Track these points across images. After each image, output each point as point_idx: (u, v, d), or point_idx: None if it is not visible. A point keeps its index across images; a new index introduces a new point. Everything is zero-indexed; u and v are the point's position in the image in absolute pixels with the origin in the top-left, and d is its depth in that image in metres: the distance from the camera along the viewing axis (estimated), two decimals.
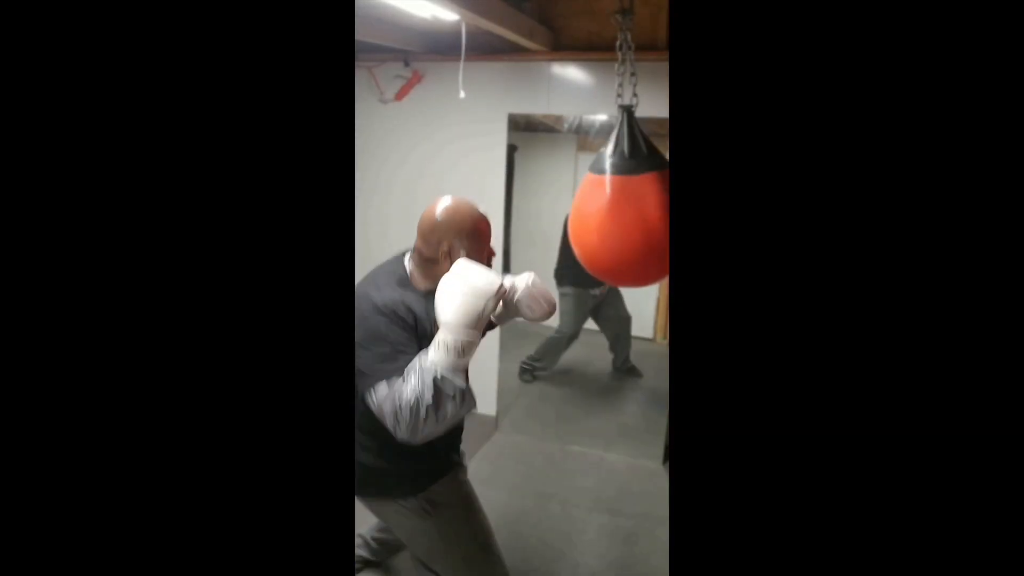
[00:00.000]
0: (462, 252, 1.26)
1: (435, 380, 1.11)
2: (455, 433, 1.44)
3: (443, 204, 1.28)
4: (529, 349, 3.38)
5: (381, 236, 2.64)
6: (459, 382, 1.13)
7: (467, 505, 1.43)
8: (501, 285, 1.16)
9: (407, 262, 1.32)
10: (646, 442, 2.76)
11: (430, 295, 1.22)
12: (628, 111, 1.34)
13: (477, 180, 2.71)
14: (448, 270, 1.20)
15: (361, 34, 2.16)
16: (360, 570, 1.80)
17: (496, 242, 2.58)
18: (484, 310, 1.14)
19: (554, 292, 1.77)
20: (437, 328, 1.16)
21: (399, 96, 2.77)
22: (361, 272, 1.33)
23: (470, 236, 1.27)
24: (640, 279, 1.50)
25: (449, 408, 1.12)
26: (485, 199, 2.80)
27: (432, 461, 1.36)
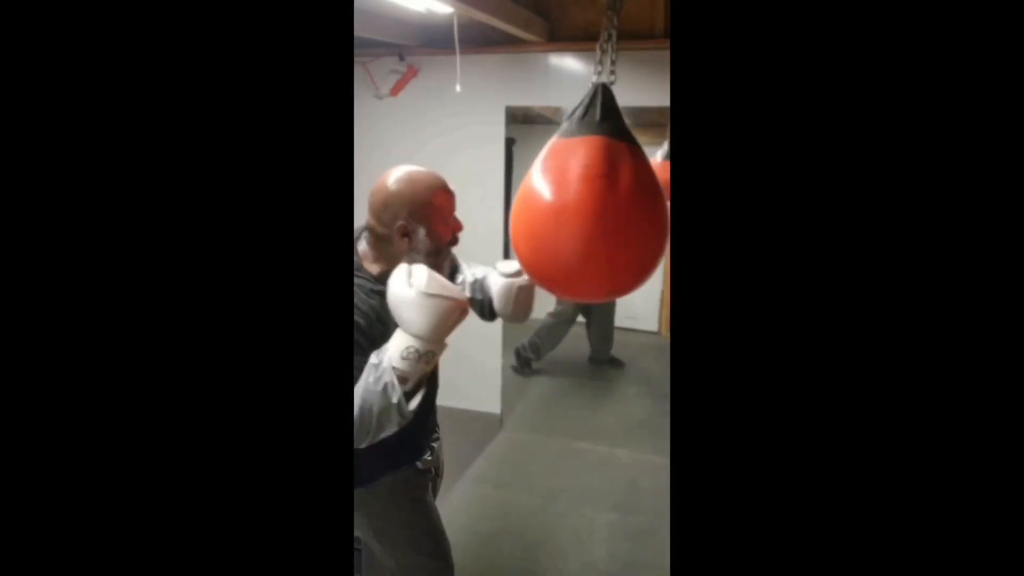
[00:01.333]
0: (420, 229, 1.12)
1: (387, 388, 1.00)
2: (418, 432, 1.33)
3: (395, 175, 1.14)
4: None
5: None
6: (409, 401, 1.02)
7: (406, 511, 1.33)
8: (467, 299, 1.05)
9: (359, 245, 1.19)
10: (654, 437, 2.74)
11: (383, 278, 1.10)
12: (605, 88, 1.14)
13: (476, 174, 2.68)
14: (403, 249, 1.11)
15: (356, 29, 2.12)
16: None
17: (497, 235, 2.59)
18: (453, 318, 1.01)
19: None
20: (384, 321, 1.07)
21: (395, 91, 2.75)
22: None
23: (428, 210, 1.12)
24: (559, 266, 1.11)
25: (393, 424, 1.03)
26: (484, 193, 2.80)
27: (382, 459, 1.24)
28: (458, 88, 2.23)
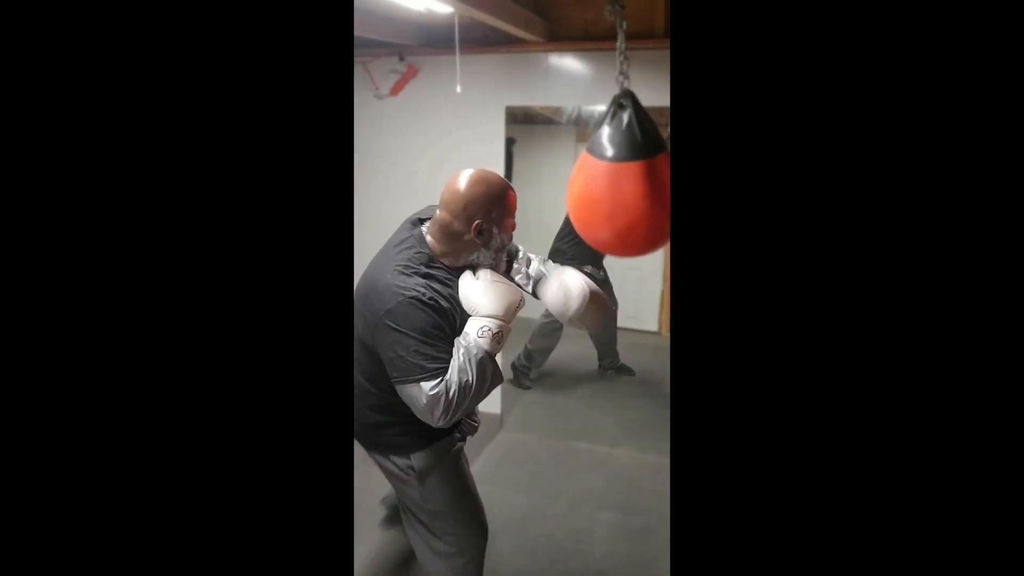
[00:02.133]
0: (494, 228, 1.26)
1: (481, 363, 1.18)
2: None
3: (473, 176, 1.25)
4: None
5: (378, 232, 2.58)
6: (497, 366, 1.22)
7: (451, 478, 1.45)
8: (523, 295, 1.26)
9: (429, 239, 1.29)
10: (654, 437, 2.74)
11: (458, 272, 1.27)
12: (634, 97, 1.20)
13: None
14: (477, 244, 1.25)
15: (355, 29, 2.12)
16: (386, 527, 1.95)
17: None
18: (517, 304, 1.23)
19: None
20: (465, 311, 1.24)
21: (395, 91, 2.74)
22: (359, 268, 1.30)
23: (503, 209, 1.26)
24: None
25: (486, 391, 1.21)
26: None
27: (425, 428, 1.32)
28: (458, 88, 2.21)
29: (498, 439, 2.75)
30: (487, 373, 1.20)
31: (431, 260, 1.26)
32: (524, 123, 3.62)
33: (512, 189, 1.29)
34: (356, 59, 2.70)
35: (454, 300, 1.24)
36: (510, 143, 2.82)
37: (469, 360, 1.18)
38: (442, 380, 1.16)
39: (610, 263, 3.16)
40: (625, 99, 1.17)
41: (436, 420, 1.18)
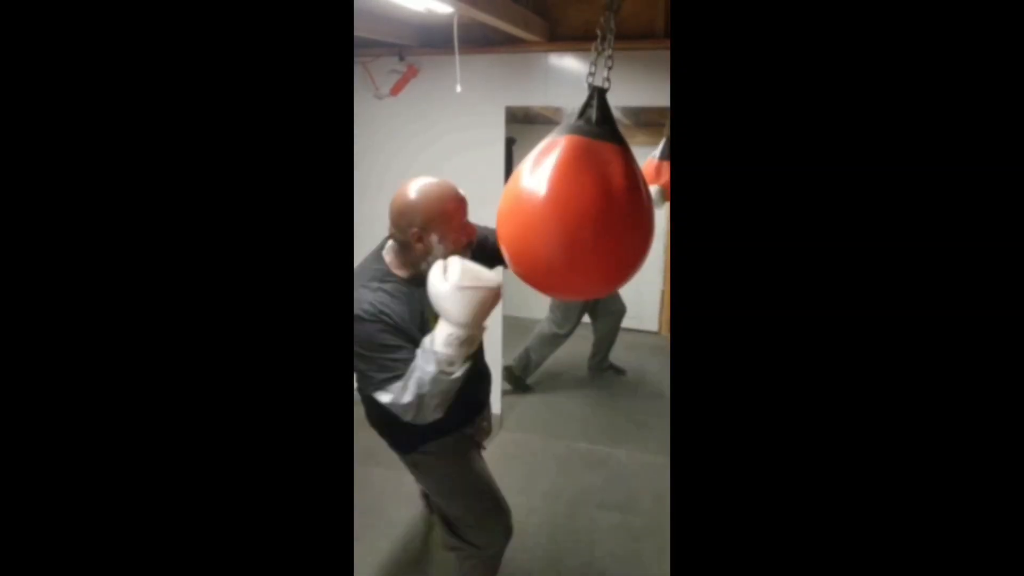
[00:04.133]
0: (433, 236, 1.24)
1: (437, 375, 1.16)
2: (463, 406, 1.42)
3: (411, 185, 1.26)
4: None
5: (377, 233, 2.60)
6: (458, 373, 1.18)
7: (456, 469, 1.51)
8: (499, 283, 1.18)
9: (385, 253, 1.34)
10: (655, 437, 2.74)
11: (412, 281, 1.27)
12: (601, 92, 1.17)
13: (476, 174, 2.65)
14: (420, 253, 1.25)
15: (356, 29, 2.12)
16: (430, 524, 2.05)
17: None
18: (487, 307, 1.16)
19: None
20: (423, 318, 1.24)
21: (395, 91, 2.73)
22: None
23: (440, 218, 1.24)
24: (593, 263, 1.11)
25: (446, 397, 1.21)
26: (484, 193, 2.77)
27: (420, 426, 1.33)
28: (458, 88, 2.22)
29: (497, 439, 2.75)
30: (444, 384, 1.18)
31: (386, 274, 1.30)
32: (524, 123, 3.61)
33: (457, 198, 1.27)
34: (356, 59, 2.69)
35: (409, 311, 1.26)
36: (510, 143, 2.81)
37: (426, 361, 1.17)
38: (394, 387, 1.21)
39: None
40: (593, 92, 1.15)
41: (404, 418, 1.23)
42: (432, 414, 1.22)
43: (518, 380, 3.22)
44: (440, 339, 1.15)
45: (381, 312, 1.22)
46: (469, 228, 1.30)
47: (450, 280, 1.13)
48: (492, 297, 1.15)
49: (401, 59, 2.68)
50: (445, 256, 1.22)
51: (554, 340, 3.21)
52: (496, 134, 2.65)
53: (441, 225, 1.24)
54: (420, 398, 1.18)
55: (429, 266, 1.20)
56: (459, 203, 1.28)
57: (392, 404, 1.21)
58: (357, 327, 1.20)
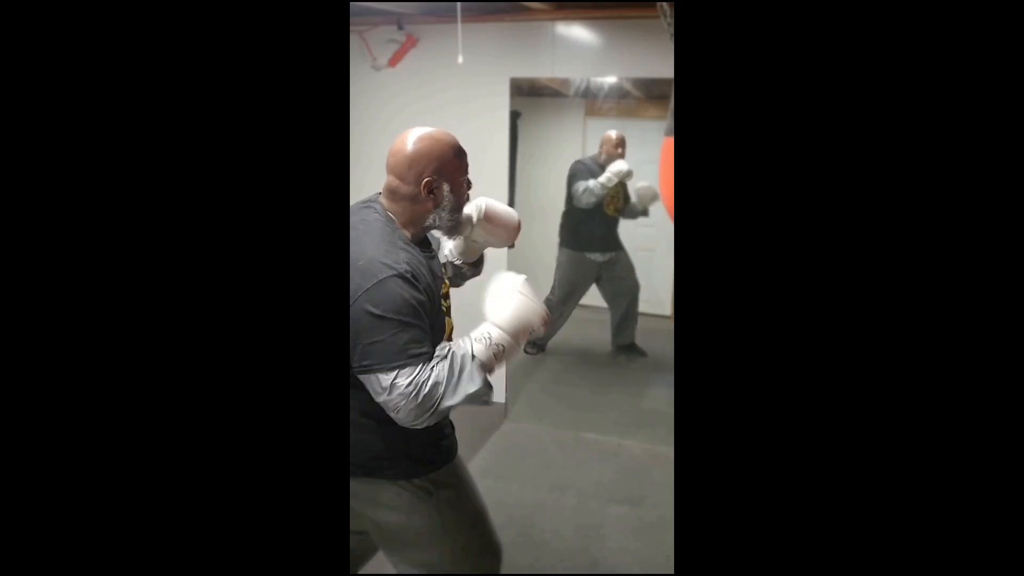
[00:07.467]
0: (445, 185, 1.18)
1: (468, 372, 1.11)
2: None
3: (416, 134, 1.19)
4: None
5: None
6: (487, 382, 1.14)
7: (466, 487, 1.35)
8: (548, 313, 1.20)
9: (373, 216, 1.20)
10: (665, 428, 2.68)
11: (422, 244, 1.22)
12: None
13: (478, 149, 2.57)
14: (429, 207, 1.18)
15: None
16: None
17: None
18: (532, 325, 1.17)
19: None
20: (438, 287, 1.19)
21: (393, 62, 2.71)
22: None
23: (452, 163, 1.19)
24: None
25: (464, 402, 1.12)
26: (487, 168, 2.77)
27: (441, 442, 1.29)
28: (460, 59, 2.17)
29: (502, 429, 2.72)
30: (474, 388, 1.11)
31: (404, 239, 1.19)
32: (530, 96, 3.55)
33: (461, 146, 1.23)
34: (352, 28, 2.66)
35: (429, 275, 1.17)
36: (515, 117, 2.78)
37: (457, 364, 1.11)
38: (420, 372, 1.07)
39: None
40: None
41: (397, 412, 1.08)
42: (427, 419, 1.10)
43: (535, 343, 3.19)
44: (473, 336, 1.14)
45: (416, 272, 1.12)
46: (468, 180, 1.25)
47: (510, 284, 1.17)
48: (538, 317, 1.18)
49: (400, 28, 2.66)
50: (457, 207, 1.20)
51: (555, 310, 3.15)
52: (500, 107, 2.63)
53: (454, 173, 1.19)
54: (436, 388, 1.08)
55: (434, 224, 1.19)
56: (463, 151, 1.23)
57: (411, 385, 1.06)
58: (393, 287, 1.07)
